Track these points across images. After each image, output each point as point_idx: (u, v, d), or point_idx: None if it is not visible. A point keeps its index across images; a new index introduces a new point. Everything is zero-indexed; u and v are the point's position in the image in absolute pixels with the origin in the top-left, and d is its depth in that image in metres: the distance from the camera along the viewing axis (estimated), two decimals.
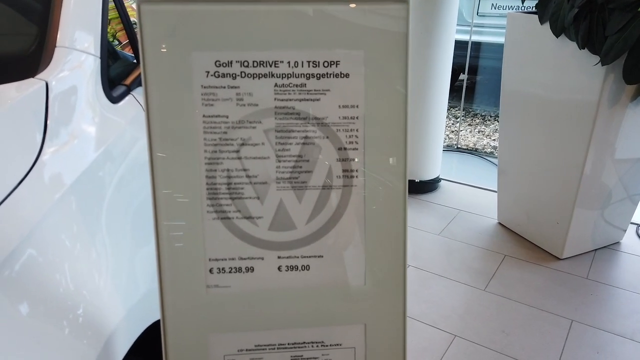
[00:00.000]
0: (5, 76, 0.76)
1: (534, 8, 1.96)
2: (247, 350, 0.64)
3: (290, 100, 0.60)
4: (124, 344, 0.67)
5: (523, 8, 2.20)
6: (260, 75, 0.59)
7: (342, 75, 0.60)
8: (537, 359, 1.62)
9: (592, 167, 1.94)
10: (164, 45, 0.57)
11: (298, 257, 0.63)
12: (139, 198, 0.80)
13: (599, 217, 2.10)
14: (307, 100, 0.60)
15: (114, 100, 0.90)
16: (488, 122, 3.81)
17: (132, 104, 0.95)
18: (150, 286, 0.74)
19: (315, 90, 0.60)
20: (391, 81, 0.60)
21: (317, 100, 0.60)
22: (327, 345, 0.65)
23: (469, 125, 3.78)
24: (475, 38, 3.74)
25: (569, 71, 1.87)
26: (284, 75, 0.59)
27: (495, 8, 3.71)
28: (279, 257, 0.63)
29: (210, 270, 0.62)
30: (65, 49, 0.84)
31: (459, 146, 3.40)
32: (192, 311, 0.62)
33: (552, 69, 1.94)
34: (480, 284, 1.99)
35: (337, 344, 0.65)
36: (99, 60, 0.91)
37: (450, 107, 3.97)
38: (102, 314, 0.65)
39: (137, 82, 1.00)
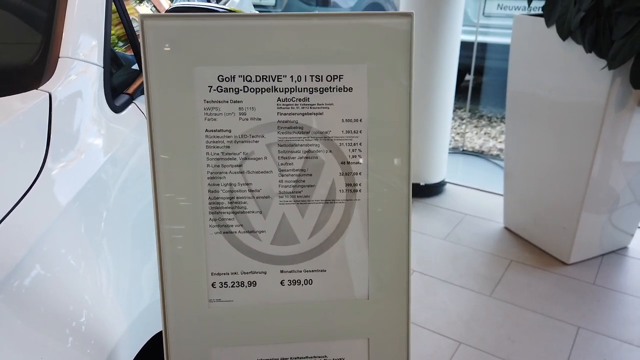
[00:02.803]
0: (9, 88, 0.77)
1: (540, 10, 1.95)
2: None
3: (293, 114, 0.60)
4: (127, 357, 0.67)
5: (530, 10, 2.20)
6: (263, 90, 0.59)
7: (346, 89, 0.60)
8: None
9: (599, 170, 1.93)
10: (166, 61, 0.57)
11: (301, 272, 0.63)
12: (143, 211, 0.80)
13: (606, 221, 2.09)
14: (310, 114, 0.60)
15: (117, 109, 0.91)
16: (494, 123, 3.80)
17: (135, 112, 0.96)
18: (153, 298, 0.75)
19: (318, 104, 0.60)
20: (395, 95, 0.60)
21: (320, 114, 0.60)
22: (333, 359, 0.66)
23: (475, 127, 3.77)
24: (482, 39, 3.73)
25: (576, 75, 1.86)
26: (286, 90, 0.60)
27: (501, 9, 3.70)
28: (281, 272, 0.63)
29: (213, 285, 0.63)
30: (68, 59, 0.85)
31: (464, 148, 3.40)
32: (195, 325, 0.63)
33: (558, 72, 1.94)
34: (486, 289, 1.99)
35: (340, 359, 0.66)
36: (102, 70, 0.91)
37: (456, 108, 3.96)
38: (105, 327, 0.65)
39: (139, 91, 1.00)
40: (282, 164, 0.61)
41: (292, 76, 0.59)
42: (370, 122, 0.61)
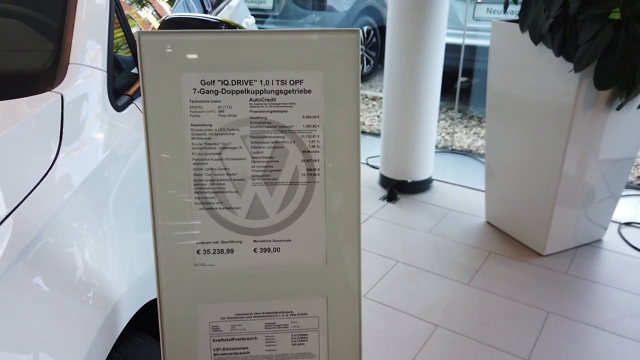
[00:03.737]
0: (26, 90, 0.91)
1: (518, 16, 2.09)
2: (228, 318, 0.78)
3: (263, 111, 0.74)
4: (126, 314, 0.81)
5: (515, 13, 2.33)
6: (238, 92, 0.73)
7: (305, 92, 0.74)
8: (512, 347, 1.75)
9: (570, 167, 2.07)
10: (159, 68, 0.71)
11: (270, 241, 0.77)
12: (140, 193, 0.95)
13: (579, 215, 2.23)
14: (277, 111, 0.74)
15: (119, 108, 1.05)
16: (484, 123, 3.94)
17: (134, 111, 1.10)
18: (147, 269, 0.89)
19: (283, 103, 0.74)
20: (345, 95, 0.74)
21: (285, 111, 0.74)
22: (295, 314, 0.79)
23: (465, 127, 3.90)
24: (472, 42, 3.86)
25: (547, 76, 2.00)
26: (257, 92, 0.74)
27: (490, 12, 3.84)
28: (254, 241, 0.77)
29: (198, 252, 0.77)
30: (77, 65, 1.00)
31: (453, 148, 3.53)
32: (183, 285, 0.77)
33: (532, 74, 2.08)
34: (464, 278, 2.13)
35: (304, 313, 0.80)
36: (105, 74, 1.06)
37: (447, 109, 4.10)
38: (108, 289, 0.79)
39: (138, 92, 1.15)
40: (254, 153, 0.75)
41: (261, 81, 0.73)
42: (325, 118, 0.75)
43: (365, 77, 5.20)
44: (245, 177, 0.76)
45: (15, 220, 0.71)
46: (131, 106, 1.10)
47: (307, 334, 0.81)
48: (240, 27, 1.18)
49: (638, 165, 3.28)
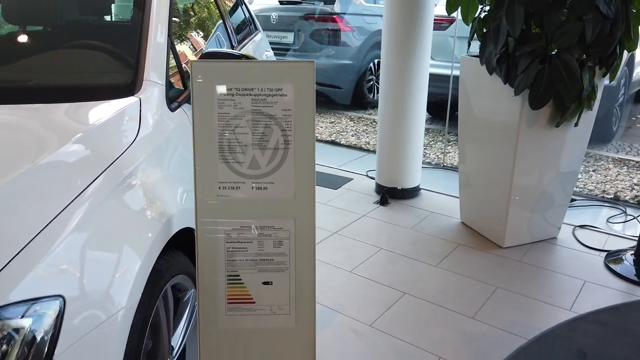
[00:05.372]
0: (120, 95, 1.51)
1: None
2: (235, 228, 1.33)
3: (259, 106, 1.31)
4: (173, 228, 1.38)
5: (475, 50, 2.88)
6: (245, 94, 1.30)
7: (283, 95, 1.31)
8: (462, 309, 2.24)
9: (520, 175, 2.58)
10: (202, 82, 1.30)
11: (261, 183, 1.33)
12: (183, 159, 1.53)
13: (532, 215, 2.72)
14: (267, 106, 1.31)
15: (172, 109, 1.65)
16: None
17: (181, 112, 1.70)
18: (185, 206, 1.46)
19: (270, 101, 1.31)
20: (307, 98, 1.31)
21: (272, 106, 1.31)
22: (275, 228, 1.34)
23: (457, 146, 4.42)
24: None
25: (499, 100, 2.55)
26: (256, 95, 1.31)
27: None
28: (252, 182, 1.33)
29: (219, 187, 1.32)
30: (147, 81, 1.60)
31: (444, 164, 4.06)
32: (210, 208, 1.32)
33: (489, 99, 2.62)
34: (433, 262, 2.63)
35: (280, 228, 1.34)
36: (164, 87, 1.66)
37: (443, 132, 4.62)
38: (165, 209, 1.36)
39: (183, 101, 1.74)
40: (253, 130, 1.32)
41: (259, 88, 1.31)
42: (294, 111, 1.31)
43: (375, 104, 5.79)
44: (248, 144, 1.32)
45: (116, 165, 1.29)
46: (179, 109, 1.70)
47: (282, 241, 1.35)
48: (253, 58, 1.77)
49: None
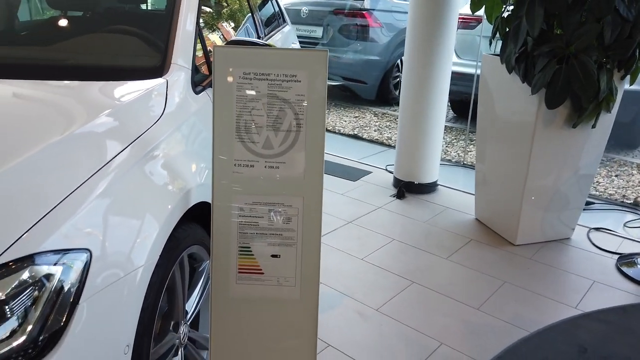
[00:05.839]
0: (149, 76, 1.64)
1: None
2: (247, 203, 1.44)
3: (274, 90, 1.41)
4: (191, 200, 1.49)
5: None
6: (262, 79, 1.41)
7: (298, 81, 1.41)
8: (468, 300, 2.31)
9: (534, 175, 2.62)
10: (222, 66, 1.41)
11: (274, 162, 1.43)
12: (204, 136, 1.65)
13: (546, 215, 2.76)
14: (282, 91, 1.41)
15: (196, 92, 1.77)
16: None
17: (204, 95, 1.82)
18: (203, 181, 1.57)
19: (286, 87, 1.41)
20: (319, 84, 1.40)
21: (286, 91, 1.41)
22: (285, 205, 1.44)
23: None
24: None
25: (517, 99, 2.59)
26: (272, 80, 1.41)
27: None
28: (265, 161, 1.43)
29: (234, 165, 1.43)
30: (175, 64, 1.72)
31: (464, 162, 4.09)
32: (226, 183, 1.44)
33: (507, 97, 2.67)
34: (444, 254, 2.70)
35: (290, 205, 1.44)
36: (189, 71, 1.78)
37: (466, 131, 4.64)
38: (185, 182, 1.48)
39: (207, 85, 1.86)
40: (268, 112, 1.42)
41: (275, 73, 1.41)
42: (307, 96, 1.41)
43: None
44: (262, 125, 1.43)
45: (142, 139, 1.41)
46: (203, 93, 1.82)
47: (291, 217, 1.45)
48: (274, 46, 1.88)
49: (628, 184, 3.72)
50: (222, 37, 2.40)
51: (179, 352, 1.50)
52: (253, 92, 1.43)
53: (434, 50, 3.16)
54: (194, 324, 1.69)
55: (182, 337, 1.50)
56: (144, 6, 2.41)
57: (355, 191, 3.47)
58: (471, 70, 4.17)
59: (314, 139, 1.44)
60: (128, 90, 1.55)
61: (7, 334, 0.93)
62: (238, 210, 1.46)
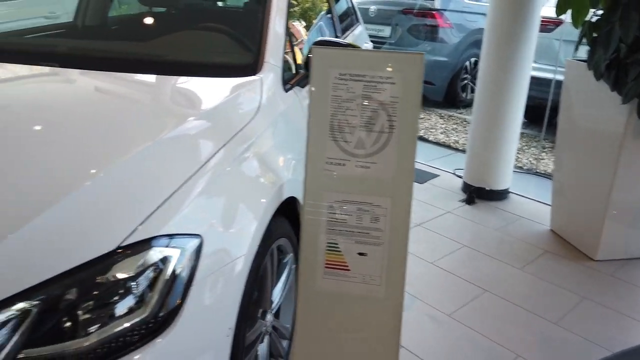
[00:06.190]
0: (244, 74, 1.72)
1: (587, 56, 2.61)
2: (337, 201, 1.48)
3: (369, 92, 1.45)
4: (283, 195, 1.55)
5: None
6: (357, 80, 1.45)
7: (392, 83, 1.44)
8: (545, 314, 2.26)
9: (620, 188, 2.52)
10: (319, 66, 1.46)
11: (365, 162, 1.47)
12: (296, 133, 1.71)
13: (631, 231, 2.65)
14: (376, 92, 1.45)
15: (286, 90, 1.83)
16: None
17: (293, 93, 1.88)
18: (293, 177, 1.63)
19: (380, 89, 1.44)
20: (414, 87, 1.43)
21: (380, 93, 1.45)
22: (373, 205, 1.47)
23: (552, 153, 4.31)
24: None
25: (604, 108, 2.51)
26: (367, 81, 1.45)
27: None
28: (357, 160, 1.47)
29: (326, 162, 1.48)
30: (268, 63, 1.79)
31: (537, 171, 3.99)
32: (317, 181, 1.49)
33: (593, 105, 2.59)
34: (518, 265, 2.65)
35: (378, 205, 1.48)
36: (280, 70, 1.85)
37: (538, 137, 4.51)
38: (277, 177, 1.54)
39: (295, 83, 1.92)
40: (362, 113, 1.46)
41: (370, 75, 1.44)
42: (401, 99, 1.44)
43: (467, 104, 5.74)
44: (356, 125, 1.47)
45: (241, 134, 1.48)
46: (292, 90, 1.88)
47: (379, 217, 1.49)
48: (358, 48, 1.92)
49: None
50: (294, 38, 2.46)
51: (265, 340, 1.57)
52: (348, 93, 1.47)
53: (514, 54, 3.10)
54: (276, 314, 1.76)
55: (268, 325, 1.57)
56: (232, 3, 2.51)
57: (423, 193, 3.46)
58: (548, 75, 4.05)
59: (406, 141, 1.46)
60: (227, 86, 1.64)
61: (131, 309, 1.01)
62: (327, 207, 1.51)
